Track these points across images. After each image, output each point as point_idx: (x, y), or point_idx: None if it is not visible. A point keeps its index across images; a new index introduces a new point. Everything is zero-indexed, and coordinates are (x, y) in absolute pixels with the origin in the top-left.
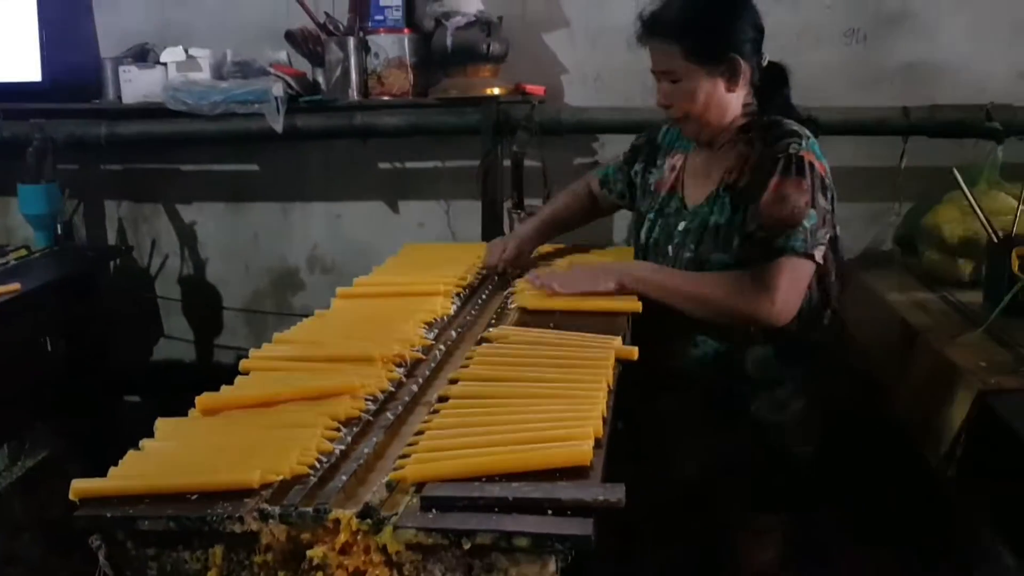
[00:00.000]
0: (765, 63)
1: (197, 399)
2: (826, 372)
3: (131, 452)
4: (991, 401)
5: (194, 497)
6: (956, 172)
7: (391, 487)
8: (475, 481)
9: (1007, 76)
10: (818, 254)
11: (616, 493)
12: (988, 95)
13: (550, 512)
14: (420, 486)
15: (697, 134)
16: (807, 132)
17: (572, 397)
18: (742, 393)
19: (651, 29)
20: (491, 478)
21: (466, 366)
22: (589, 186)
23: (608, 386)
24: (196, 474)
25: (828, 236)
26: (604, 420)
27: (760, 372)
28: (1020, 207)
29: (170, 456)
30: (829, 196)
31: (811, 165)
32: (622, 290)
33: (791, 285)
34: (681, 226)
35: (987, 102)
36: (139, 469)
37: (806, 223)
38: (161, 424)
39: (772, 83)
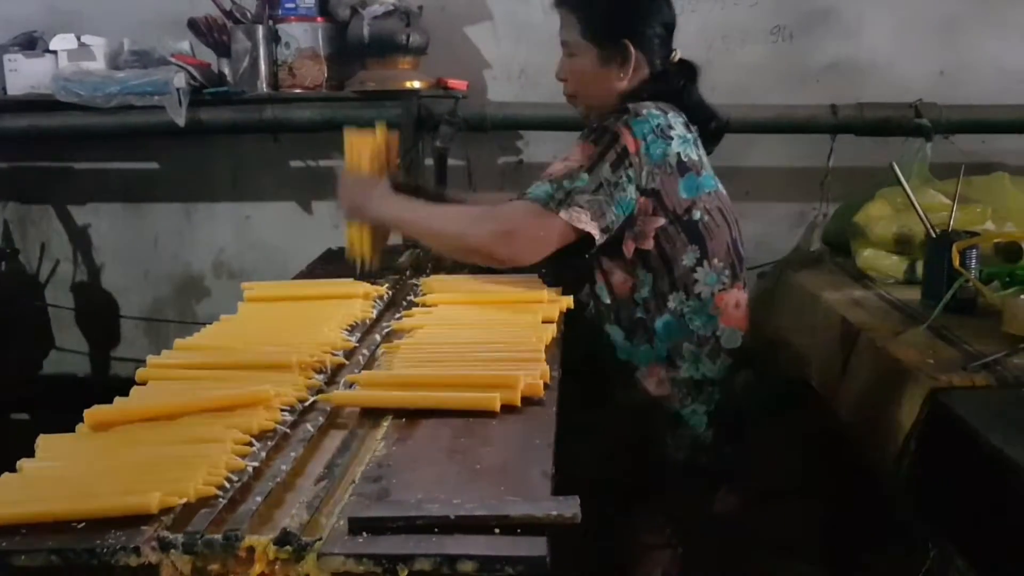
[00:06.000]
0: (676, 59)
1: (86, 413)
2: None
3: (6, 475)
4: (943, 399)
5: (81, 525)
6: (895, 166)
7: (313, 507)
8: (410, 500)
9: (930, 75)
10: (567, 215)
11: (571, 508)
12: (912, 94)
13: (497, 531)
14: (347, 509)
15: (581, 114)
16: (646, 112)
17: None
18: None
19: None
20: (430, 499)
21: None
22: None
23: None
24: (84, 499)
25: (611, 213)
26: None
27: (611, 355)
28: (955, 203)
29: (53, 479)
30: (629, 174)
31: (615, 136)
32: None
33: (526, 229)
34: None
35: (911, 101)
36: (16, 495)
37: (566, 183)
38: (43, 442)
39: (681, 81)
